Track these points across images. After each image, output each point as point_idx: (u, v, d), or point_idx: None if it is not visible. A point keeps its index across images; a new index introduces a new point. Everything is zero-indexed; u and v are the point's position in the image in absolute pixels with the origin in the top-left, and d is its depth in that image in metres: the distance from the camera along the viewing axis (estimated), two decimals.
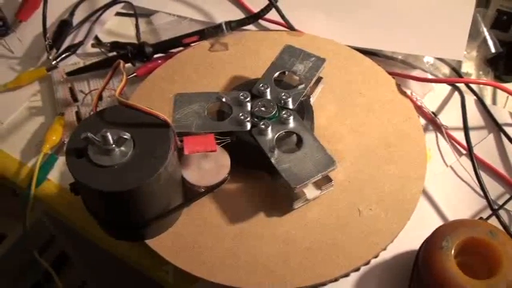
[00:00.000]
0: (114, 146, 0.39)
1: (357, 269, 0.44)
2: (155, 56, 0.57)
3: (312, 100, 0.50)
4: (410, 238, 0.45)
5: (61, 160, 0.54)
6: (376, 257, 0.45)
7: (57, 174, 0.53)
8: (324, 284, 0.44)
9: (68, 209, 0.52)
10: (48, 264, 0.56)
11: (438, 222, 0.46)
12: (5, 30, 0.62)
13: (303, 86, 0.48)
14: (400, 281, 0.45)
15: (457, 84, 0.56)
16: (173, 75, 0.54)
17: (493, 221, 0.47)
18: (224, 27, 0.56)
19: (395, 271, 0.46)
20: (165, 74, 0.54)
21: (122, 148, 0.40)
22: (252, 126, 0.46)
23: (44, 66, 0.59)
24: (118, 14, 0.64)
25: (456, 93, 0.56)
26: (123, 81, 0.43)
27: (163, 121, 0.41)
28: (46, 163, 0.53)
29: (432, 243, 0.42)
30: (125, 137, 0.39)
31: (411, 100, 0.52)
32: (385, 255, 0.46)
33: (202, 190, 0.45)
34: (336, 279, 0.44)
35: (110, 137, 0.39)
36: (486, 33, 0.58)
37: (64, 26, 0.61)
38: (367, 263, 0.44)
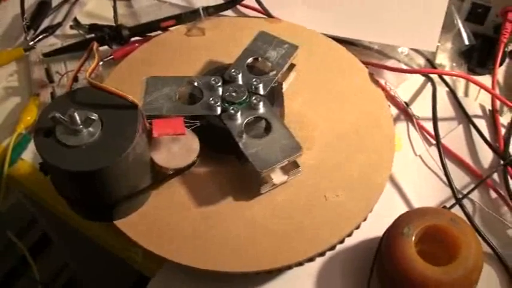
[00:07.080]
0: (81, 126, 0.40)
1: (322, 254, 0.45)
2: (132, 39, 0.58)
3: (285, 87, 0.50)
4: (376, 225, 0.46)
5: None
6: (341, 242, 0.45)
7: (31, 154, 0.54)
8: (290, 267, 0.45)
9: (40, 189, 0.53)
10: (29, 246, 0.56)
11: (404, 210, 0.46)
12: None
13: (274, 72, 0.49)
14: (364, 267, 0.46)
15: (431, 76, 0.56)
16: (149, 58, 0.54)
17: (457, 210, 0.48)
18: (202, 12, 0.57)
19: (359, 257, 0.47)
20: (141, 57, 0.54)
21: (90, 129, 0.40)
22: (222, 111, 0.46)
23: (21, 47, 0.59)
24: None
25: (429, 84, 0.56)
26: (94, 63, 0.43)
27: (132, 103, 0.41)
28: (20, 143, 0.54)
29: (394, 229, 0.43)
30: (93, 117, 0.40)
31: (384, 89, 0.53)
32: (350, 241, 0.46)
33: (171, 172, 0.45)
34: (301, 263, 0.45)
35: (77, 117, 0.39)
36: (460, 25, 0.58)
37: (43, 7, 0.61)
38: (333, 248, 0.45)
